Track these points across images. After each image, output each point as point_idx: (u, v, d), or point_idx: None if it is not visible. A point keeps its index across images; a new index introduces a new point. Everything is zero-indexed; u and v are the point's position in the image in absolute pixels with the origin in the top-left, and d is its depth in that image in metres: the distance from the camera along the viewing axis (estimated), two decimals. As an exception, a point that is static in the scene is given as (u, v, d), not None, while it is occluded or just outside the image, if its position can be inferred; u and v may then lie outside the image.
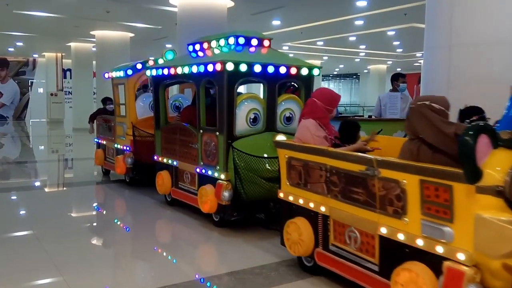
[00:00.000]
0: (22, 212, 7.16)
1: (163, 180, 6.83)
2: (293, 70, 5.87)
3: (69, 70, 26.15)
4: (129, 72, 8.10)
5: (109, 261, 5.10)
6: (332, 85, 42.49)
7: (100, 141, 9.77)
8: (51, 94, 26.72)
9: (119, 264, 5.06)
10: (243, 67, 5.50)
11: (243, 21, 14.76)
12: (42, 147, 17.25)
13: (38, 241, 5.44)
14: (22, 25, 17.00)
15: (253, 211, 5.90)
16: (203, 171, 5.97)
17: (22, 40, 21.77)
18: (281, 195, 4.61)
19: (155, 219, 6.69)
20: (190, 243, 5.68)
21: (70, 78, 25.54)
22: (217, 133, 5.64)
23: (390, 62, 30.18)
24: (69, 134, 20.85)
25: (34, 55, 28.88)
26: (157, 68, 6.91)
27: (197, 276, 4.52)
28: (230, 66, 5.43)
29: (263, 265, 4.66)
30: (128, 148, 8.15)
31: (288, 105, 6.00)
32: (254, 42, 6.07)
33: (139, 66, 8.13)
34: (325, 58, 27.82)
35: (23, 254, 5.03)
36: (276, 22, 16.11)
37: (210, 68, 5.64)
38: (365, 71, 35.82)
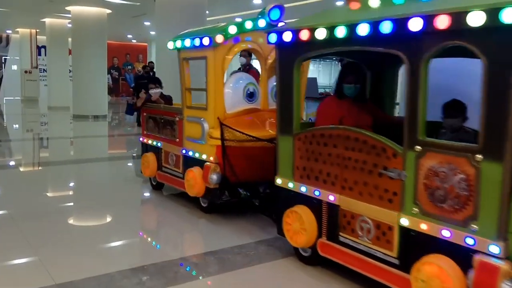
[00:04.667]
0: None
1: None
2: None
3: (44, 47, 24.88)
4: (219, 38, 4.86)
5: (86, 242, 4.64)
6: (312, 67, 42.15)
7: (149, 141, 6.36)
8: (26, 72, 25.56)
9: (96, 245, 4.60)
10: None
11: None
12: (17, 125, 16.45)
13: (13, 221, 5.09)
14: (-6, -1, 15.95)
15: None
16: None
17: (-6, 16, 20.55)
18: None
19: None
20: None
21: (45, 55, 24.27)
22: (479, 156, 2.65)
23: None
24: (44, 112, 20.01)
25: (8, 31, 27.48)
26: (295, 31, 3.70)
27: (176, 256, 4.26)
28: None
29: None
30: (211, 158, 5.11)
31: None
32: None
33: (233, 29, 4.90)
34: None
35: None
36: (257, 1, 15.43)
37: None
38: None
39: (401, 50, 3.01)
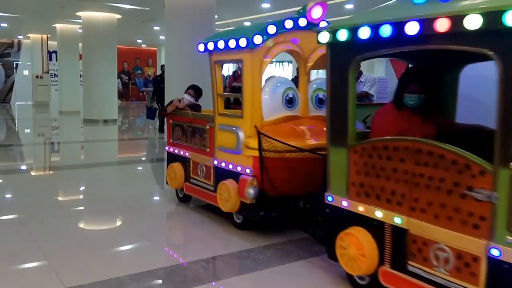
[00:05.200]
0: (7, 195, 6.61)
1: None
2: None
3: (55, 52, 24.67)
4: (257, 39, 4.35)
5: (96, 246, 4.56)
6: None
7: (175, 150, 5.86)
8: (37, 77, 25.22)
9: (107, 249, 4.53)
10: None
11: (232, 2, 13.79)
12: (28, 130, 16.18)
13: (23, 225, 5.06)
14: (6, 5, 15.64)
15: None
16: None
17: (6, 21, 20.30)
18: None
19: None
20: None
21: (56, 60, 24.09)
22: None
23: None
24: (55, 117, 19.77)
25: (19, 37, 27.16)
26: (352, 28, 3.25)
27: (181, 260, 4.24)
28: None
29: None
30: (248, 171, 4.60)
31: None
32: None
33: (272, 28, 4.41)
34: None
35: (7, 237, 4.69)
36: (265, 5, 15.17)
37: None
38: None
39: (494, 49, 2.54)
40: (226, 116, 4.84)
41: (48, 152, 11.35)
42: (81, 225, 5.25)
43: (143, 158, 9.39)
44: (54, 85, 25.15)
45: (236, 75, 9.23)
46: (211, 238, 4.80)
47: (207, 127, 5.09)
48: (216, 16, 10.92)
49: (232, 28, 5.20)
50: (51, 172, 8.84)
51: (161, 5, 11.10)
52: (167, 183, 5.96)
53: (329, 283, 3.70)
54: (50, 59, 26.72)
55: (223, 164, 4.85)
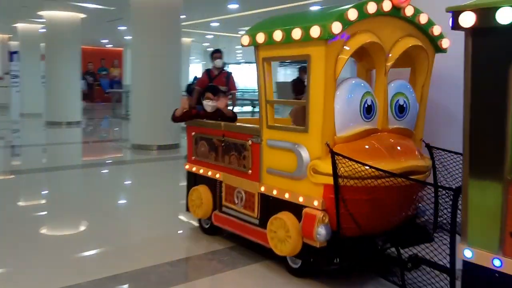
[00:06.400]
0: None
1: None
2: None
3: (16, 52, 23.20)
4: (336, 27, 3.13)
5: (58, 253, 4.30)
6: (289, 71, 41.11)
7: (200, 170, 4.52)
8: (-4, 78, 23.71)
9: (68, 255, 4.26)
10: None
11: (199, 2, 13.23)
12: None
13: None
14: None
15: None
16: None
17: (-36, 21, 19.11)
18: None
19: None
20: None
21: (18, 61, 22.59)
22: None
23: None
24: (16, 119, 18.66)
25: (-22, 37, 25.51)
26: None
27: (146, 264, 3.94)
28: None
29: None
30: (316, 204, 3.35)
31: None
32: None
33: (353, 13, 3.22)
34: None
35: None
36: (233, 6, 14.79)
37: None
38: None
39: None
40: (279, 129, 3.66)
41: (9, 155, 10.75)
42: (42, 231, 5.00)
43: (109, 161, 9.25)
44: (16, 86, 23.53)
45: (212, 75, 7.71)
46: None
47: (249, 142, 3.87)
48: (184, 17, 11.06)
49: (280, 15, 3.92)
50: (11, 176, 8.24)
51: (127, 5, 10.81)
52: (187, 210, 4.71)
53: None
54: (11, 60, 25.15)
55: (274, 192, 3.65)
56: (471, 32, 2.42)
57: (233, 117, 4.64)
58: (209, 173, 4.37)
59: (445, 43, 3.76)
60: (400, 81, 3.73)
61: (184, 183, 4.88)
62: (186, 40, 22.40)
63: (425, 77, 3.80)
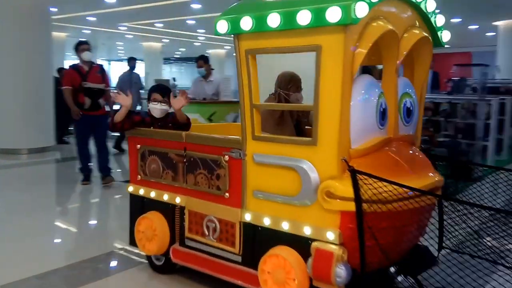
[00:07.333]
0: None
1: None
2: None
3: None
4: (361, 9, 2.38)
5: None
6: (174, 69, 39.95)
7: (150, 193, 3.54)
8: None
9: None
10: None
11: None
12: None
13: None
14: None
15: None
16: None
17: None
18: None
19: None
20: None
21: None
22: None
23: (228, 47, 28.70)
24: None
25: None
26: None
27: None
28: None
29: None
30: (332, 237, 2.56)
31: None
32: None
33: None
34: (166, 40, 25.77)
35: None
36: (111, 0, 14.21)
37: None
38: (206, 55, 33.77)
39: None
40: (272, 141, 2.84)
41: None
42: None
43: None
44: None
45: (83, 71, 6.35)
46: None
47: (226, 158, 3.01)
48: (55, 10, 10.44)
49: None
50: None
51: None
52: (132, 244, 3.64)
53: None
54: None
55: (266, 222, 2.84)
56: None
57: (187, 123, 3.68)
58: (165, 197, 3.37)
59: (445, 35, 3.24)
60: (403, 79, 3.12)
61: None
62: (59, 34, 20.25)
63: (426, 75, 3.25)
